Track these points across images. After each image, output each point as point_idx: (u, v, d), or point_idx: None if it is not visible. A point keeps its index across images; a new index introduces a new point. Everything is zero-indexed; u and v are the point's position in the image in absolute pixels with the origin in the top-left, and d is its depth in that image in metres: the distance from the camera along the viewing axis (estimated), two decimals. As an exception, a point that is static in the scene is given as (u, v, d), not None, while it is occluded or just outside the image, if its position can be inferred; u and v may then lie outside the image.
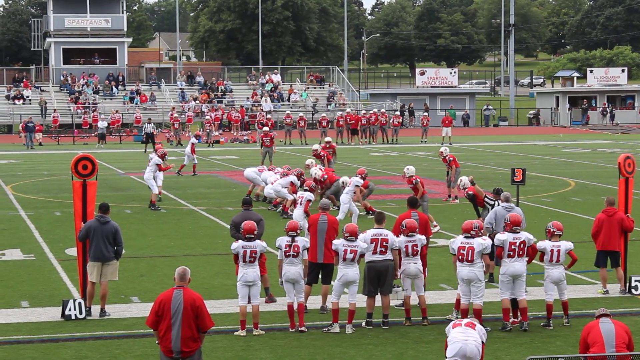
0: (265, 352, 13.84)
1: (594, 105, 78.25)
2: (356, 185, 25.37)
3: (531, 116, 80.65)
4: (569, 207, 28.66)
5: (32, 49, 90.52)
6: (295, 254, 14.97)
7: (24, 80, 74.06)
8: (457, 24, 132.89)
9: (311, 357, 13.64)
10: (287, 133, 57.77)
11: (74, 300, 15.72)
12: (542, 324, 15.15)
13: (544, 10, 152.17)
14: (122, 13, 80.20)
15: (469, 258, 14.75)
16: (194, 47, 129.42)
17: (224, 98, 74.61)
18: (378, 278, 15.09)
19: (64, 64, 77.09)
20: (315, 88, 78.73)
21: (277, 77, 78.61)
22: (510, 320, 15.01)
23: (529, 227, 17.34)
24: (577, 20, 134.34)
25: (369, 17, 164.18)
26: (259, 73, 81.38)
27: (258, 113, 67.53)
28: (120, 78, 75.61)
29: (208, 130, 58.25)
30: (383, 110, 63.07)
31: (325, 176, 27.19)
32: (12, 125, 69.17)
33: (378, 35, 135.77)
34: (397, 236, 15.38)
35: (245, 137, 61.71)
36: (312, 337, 14.62)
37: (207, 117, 62.98)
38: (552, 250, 15.31)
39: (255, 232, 14.94)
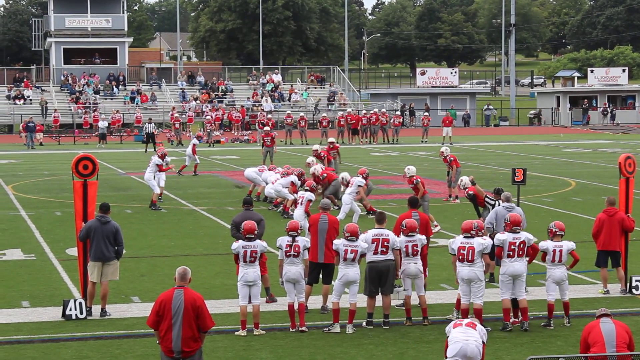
0: (265, 352, 13.85)
1: (594, 105, 78.21)
2: (359, 186, 25.39)
3: (532, 116, 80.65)
4: (570, 207, 28.66)
5: (32, 48, 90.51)
6: (295, 253, 14.98)
7: (25, 80, 74.04)
8: (458, 23, 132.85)
9: (312, 357, 13.64)
10: (287, 133, 57.78)
11: (75, 300, 15.72)
12: (542, 324, 15.16)
13: (545, 10, 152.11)
14: (123, 13, 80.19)
15: (469, 258, 14.75)
16: (194, 47, 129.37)
17: (225, 98, 74.59)
18: (379, 278, 15.10)
19: (64, 63, 77.10)
20: (315, 88, 78.71)
21: (277, 77, 78.59)
22: (511, 320, 15.01)
23: (530, 227, 17.36)
24: (578, 20, 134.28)
25: (370, 17, 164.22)
26: (259, 73, 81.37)
27: (259, 113, 67.54)
28: (121, 78, 75.60)
29: (209, 130, 58.27)
30: (384, 110, 63.02)
31: (325, 175, 27.20)
32: (12, 125, 69.15)
33: (379, 35, 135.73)
34: (398, 236, 15.39)
35: (246, 137, 61.70)
36: (312, 337, 14.62)
37: (208, 117, 62.90)
38: (554, 251, 15.31)
39: (256, 232, 14.94)
